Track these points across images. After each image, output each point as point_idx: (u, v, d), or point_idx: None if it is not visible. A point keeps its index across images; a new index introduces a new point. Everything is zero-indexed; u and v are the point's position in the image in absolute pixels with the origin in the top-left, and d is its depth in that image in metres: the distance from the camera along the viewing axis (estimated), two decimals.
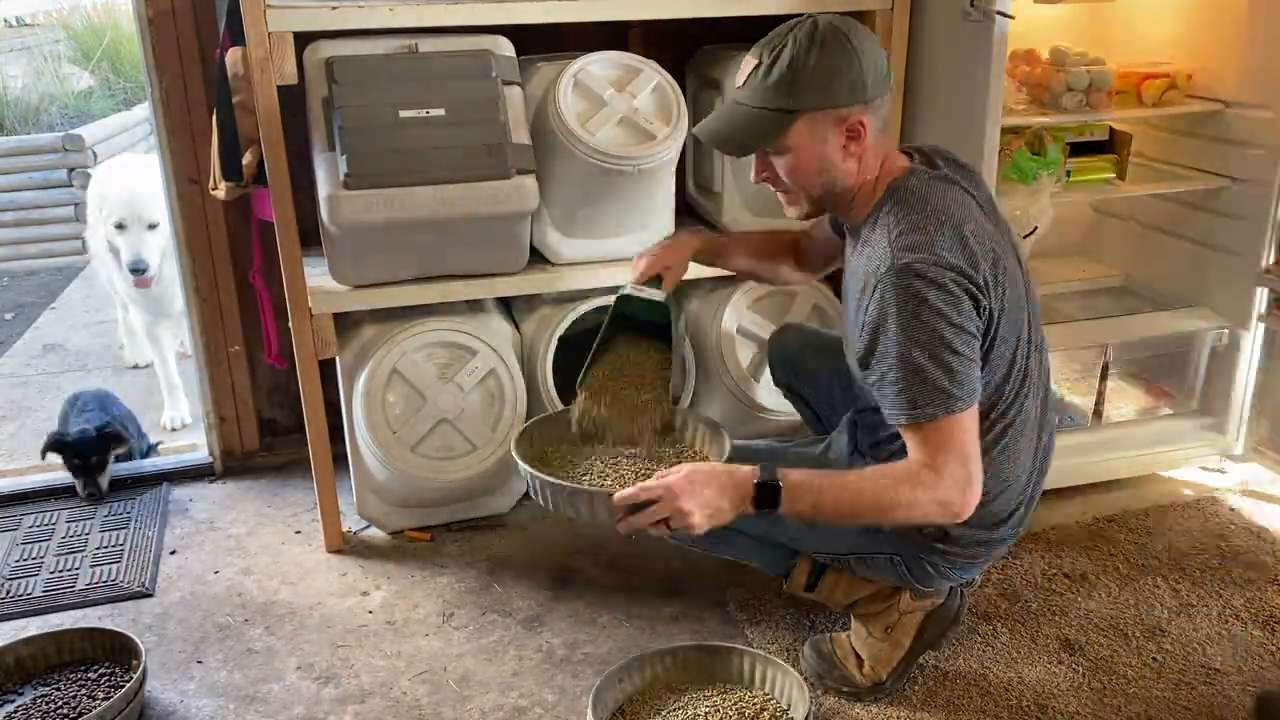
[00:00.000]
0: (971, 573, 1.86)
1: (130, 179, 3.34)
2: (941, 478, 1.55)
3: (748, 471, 1.59)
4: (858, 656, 1.93)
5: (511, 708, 1.94)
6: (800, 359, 2.19)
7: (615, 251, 2.45)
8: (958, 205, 1.63)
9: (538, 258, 2.43)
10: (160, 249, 3.26)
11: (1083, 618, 2.14)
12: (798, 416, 2.35)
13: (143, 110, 6.56)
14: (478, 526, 2.53)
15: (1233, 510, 2.52)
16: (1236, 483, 2.65)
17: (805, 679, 1.88)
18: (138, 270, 3.23)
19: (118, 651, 2.03)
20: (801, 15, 1.64)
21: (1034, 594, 2.22)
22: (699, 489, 1.57)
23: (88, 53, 7.90)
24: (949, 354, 1.54)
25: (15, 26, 8.70)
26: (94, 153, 5.66)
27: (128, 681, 1.94)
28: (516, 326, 2.52)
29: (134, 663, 1.98)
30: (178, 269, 2.73)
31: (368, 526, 2.53)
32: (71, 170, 5.62)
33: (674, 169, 2.39)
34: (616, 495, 1.61)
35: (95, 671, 2.00)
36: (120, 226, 3.28)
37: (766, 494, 1.58)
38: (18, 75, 7.24)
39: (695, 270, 2.49)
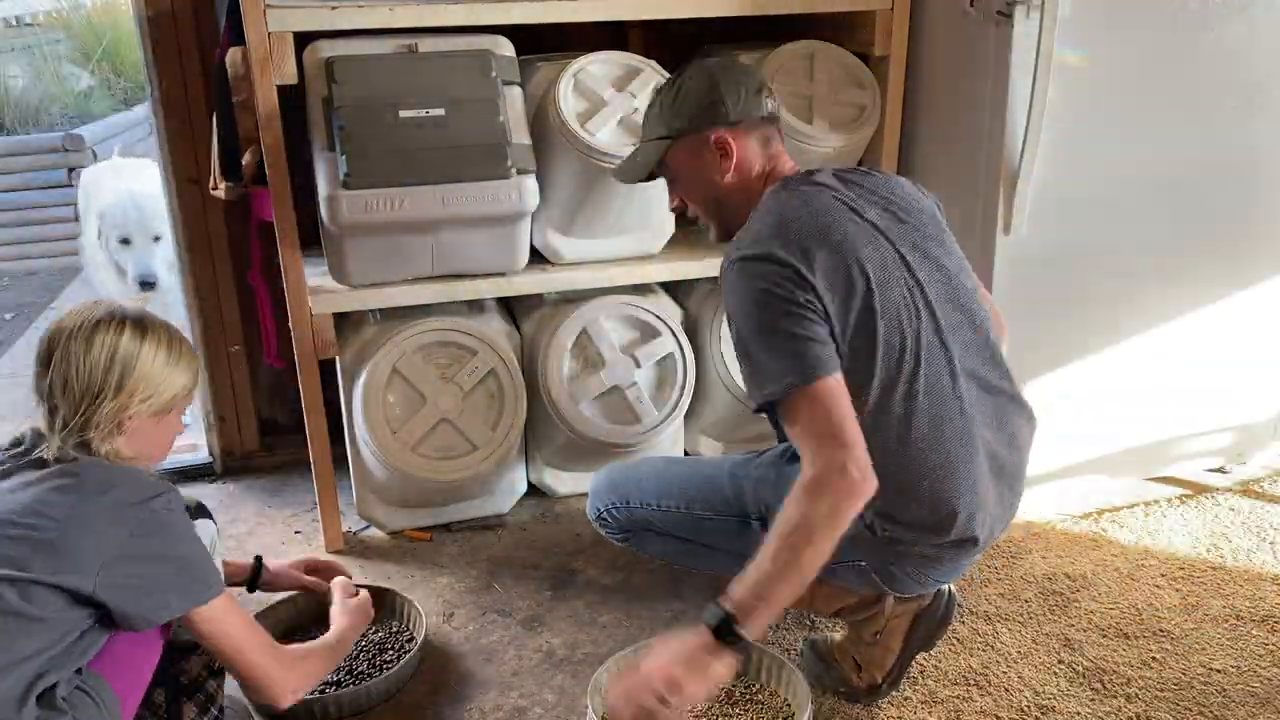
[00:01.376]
0: (945, 578, 1.84)
1: (129, 191, 3.27)
2: (815, 463, 1.50)
3: (700, 630, 1.50)
4: (854, 659, 1.94)
5: (511, 708, 1.94)
6: None
7: (615, 251, 2.45)
8: (807, 208, 1.67)
9: (538, 258, 2.43)
10: (166, 260, 3.23)
11: (1083, 618, 2.14)
12: None
13: (143, 110, 6.55)
14: (477, 526, 2.53)
15: (1233, 510, 2.52)
16: (1237, 482, 2.65)
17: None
18: (147, 284, 3.22)
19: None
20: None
21: (1034, 594, 2.22)
22: (669, 670, 1.47)
23: (88, 53, 7.89)
24: (776, 333, 1.57)
25: (15, 26, 8.70)
26: (94, 152, 5.66)
27: (409, 640, 2.07)
28: (517, 326, 2.52)
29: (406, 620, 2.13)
30: (178, 279, 2.73)
31: (368, 526, 2.53)
32: (71, 170, 5.61)
33: None
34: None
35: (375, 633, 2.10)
36: (125, 242, 3.25)
37: (726, 630, 1.48)
38: (18, 75, 7.23)
39: (692, 270, 2.50)
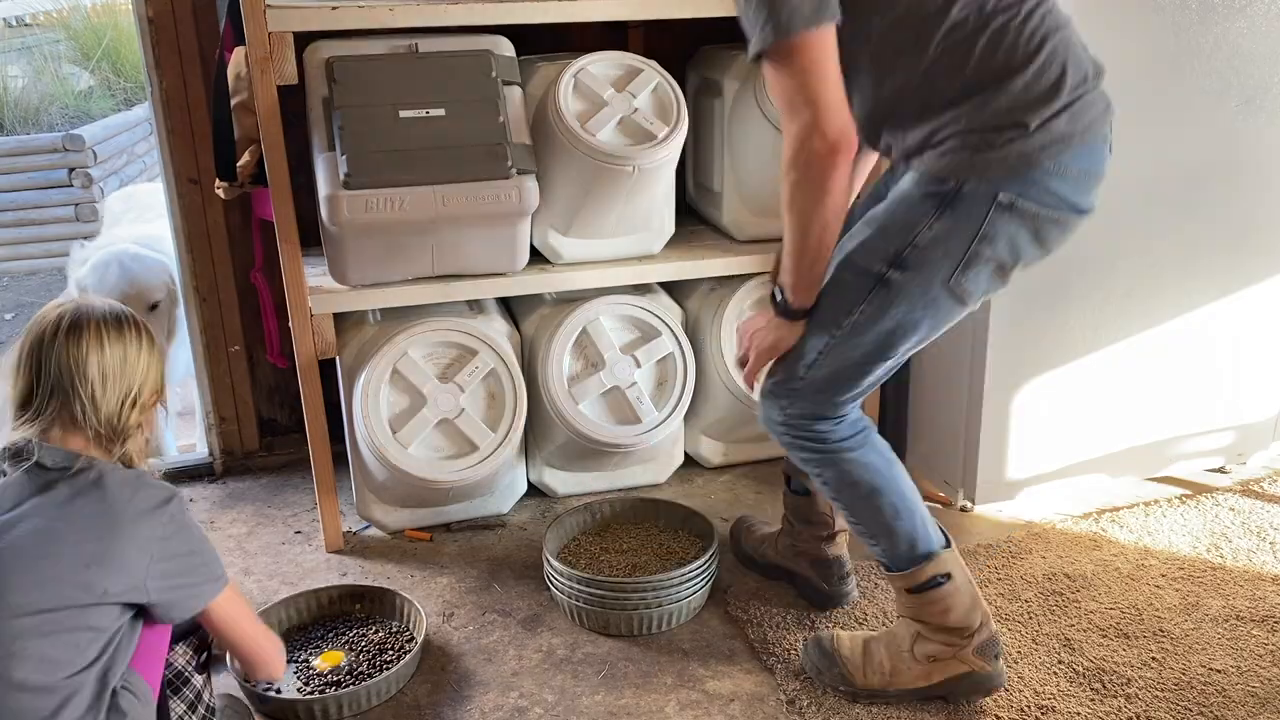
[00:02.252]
0: (1053, 238, 1.67)
1: (119, 255, 3.00)
2: (790, 130, 1.56)
3: (768, 306, 1.80)
4: (869, 657, 1.91)
5: (511, 708, 1.94)
6: None
7: (615, 252, 2.45)
8: None
9: (538, 258, 2.43)
10: (162, 329, 3.02)
11: (1083, 618, 2.14)
12: None
13: (143, 110, 6.56)
14: (478, 526, 2.53)
15: (1233, 510, 2.52)
16: (1237, 482, 2.65)
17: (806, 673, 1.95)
18: None
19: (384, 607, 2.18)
20: None
21: (1034, 594, 2.22)
22: (753, 321, 1.84)
23: (88, 53, 7.91)
24: None
25: (15, 26, 8.71)
26: (94, 152, 5.67)
27: (408, 639, 2.08)
28: (517, 326, 2.53)
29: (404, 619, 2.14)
30: (179, 281, 2.71)
31: (368, 526, 2.53)
32: (71, 170, 5.62)
33: (674, 169, 2.39)
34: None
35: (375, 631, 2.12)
36: None
37: (781, 303, 1.75)
38: (18, 75, 7.24)
39: (692, 270, 2.50)
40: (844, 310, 1.72)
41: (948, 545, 1.87)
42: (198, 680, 1.73)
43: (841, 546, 2.16)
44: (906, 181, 1.70)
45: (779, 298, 1.75)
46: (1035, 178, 1.61)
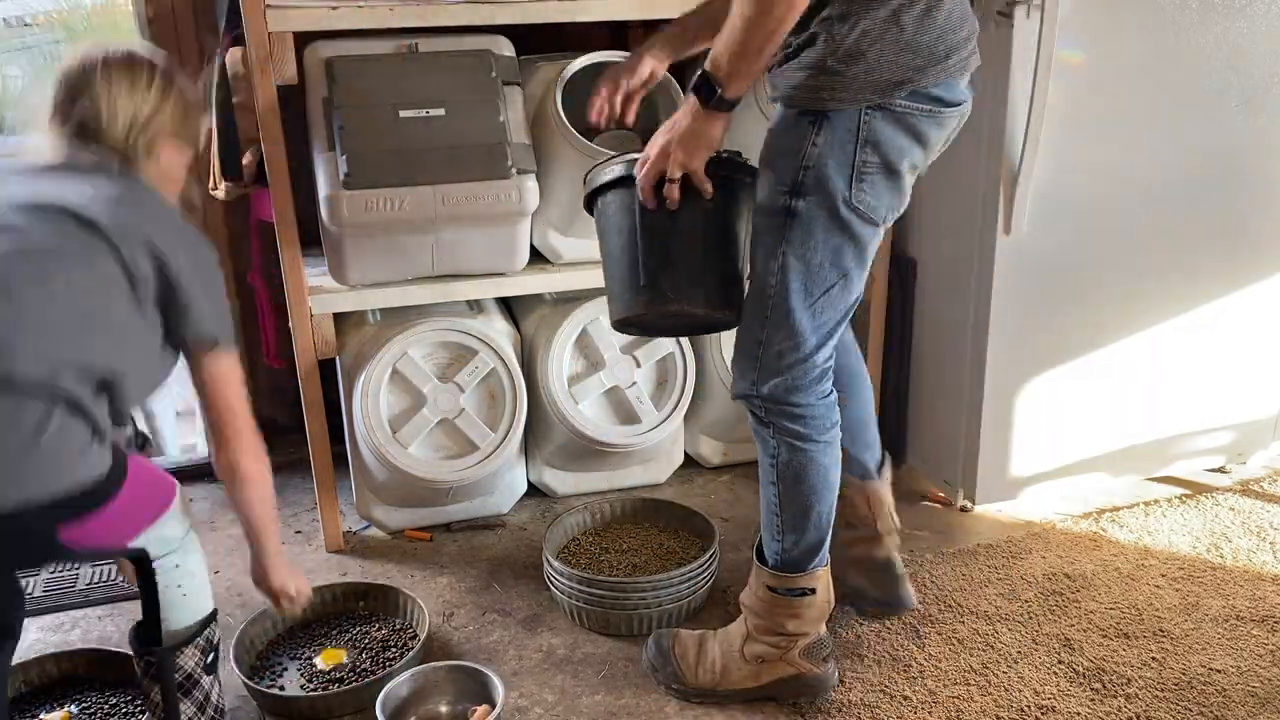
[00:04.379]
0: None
1: None
2: None
3: (688, 99, 1.64)
4: (703, 656, 1.91)
5: (511, 708, 1.94)
6: None
7: None
8: None
9: (538, 258, 2.43)
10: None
11: (1083, 618, 2.14)
12: None
13: None
14: (478, 526, 2.53)
15: (1233, 510, 2.52)
16: (1237, 482, 2.65)
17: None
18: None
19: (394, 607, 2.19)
20: None
21: (1034, 594, 2.22)
22: (670, 126, 1.66)
23: None
24: None
25: (15, 26, 8.71)
26: None
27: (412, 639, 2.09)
28: (517, 326, 2.53)
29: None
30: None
31: (368, 526, 2.53)
32: None
33: None
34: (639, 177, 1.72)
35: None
36: None
37: (704, 83, 1.60)
38: (18, 75, 7.24)
39: None
40: (772, 256, 1.69)
41: (827, 563, 1.88)
42: (206, 681, 1.73)
43: (890, 548, 2.09)
44: (775, 115, 1.72)
45: (707, 86, 1.60)
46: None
